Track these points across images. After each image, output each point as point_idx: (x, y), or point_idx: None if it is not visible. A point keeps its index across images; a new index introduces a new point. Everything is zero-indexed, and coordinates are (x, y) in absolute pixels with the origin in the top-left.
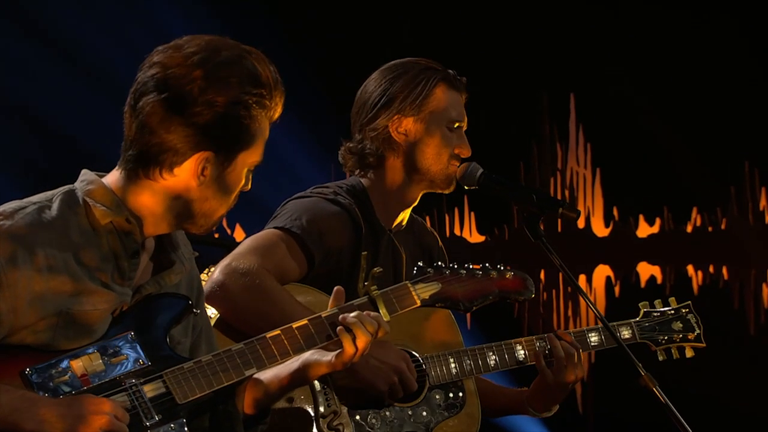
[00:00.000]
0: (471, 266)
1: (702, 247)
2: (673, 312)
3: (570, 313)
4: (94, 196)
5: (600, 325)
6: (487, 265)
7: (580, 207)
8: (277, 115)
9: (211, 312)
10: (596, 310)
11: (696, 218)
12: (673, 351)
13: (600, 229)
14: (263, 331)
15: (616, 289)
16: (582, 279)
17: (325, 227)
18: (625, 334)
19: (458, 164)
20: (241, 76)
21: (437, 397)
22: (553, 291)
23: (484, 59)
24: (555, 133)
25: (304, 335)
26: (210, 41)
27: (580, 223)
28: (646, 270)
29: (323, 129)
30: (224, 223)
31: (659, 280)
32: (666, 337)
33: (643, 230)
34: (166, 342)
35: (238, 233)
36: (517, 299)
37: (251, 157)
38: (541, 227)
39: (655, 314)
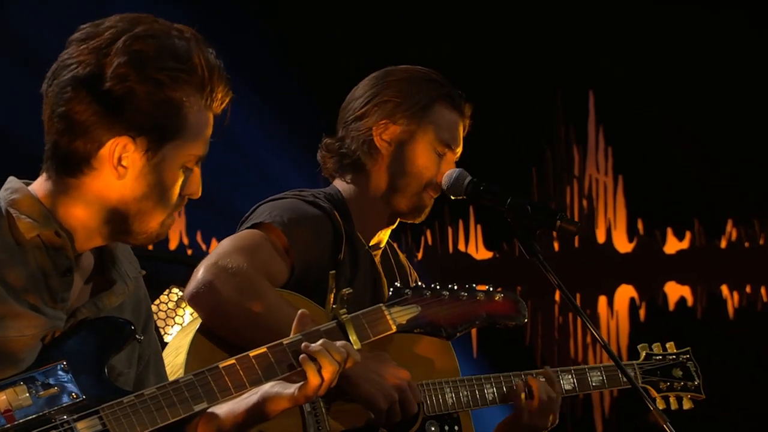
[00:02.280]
0: (455, 287)
1: (738, 264)
2: (673, 357)
3: (588, 339)
4: (19, 207)
5: (602, 364)
6: (473, 285)
7: (600, 219)
8: (217, 105)
9: (187, 315)
10: (604, 342)
11: (731, 232)
12: (671, 400)
13: (623, 245)
14: (252, 340)
15: (641, 312)
16: (602, 301)
17: (307, 230)
18: None
19: (435, 195)
20: (160, 50)
21: (432, 429)
22: (570, 315)
23: (490, 51)
24: (571, 135)
25: (263, 365)
26: (133, 17)
27: (600, 238)
28: (674, 290)
29: (311, 136)
30: (198, 238)
31: (689, 302)
32: (667, 384)
33: (672, 245)
34: (103, 373)
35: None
36: (507, 324)
37: (185, 150)
38: (554, 246)
39: (657, 357)
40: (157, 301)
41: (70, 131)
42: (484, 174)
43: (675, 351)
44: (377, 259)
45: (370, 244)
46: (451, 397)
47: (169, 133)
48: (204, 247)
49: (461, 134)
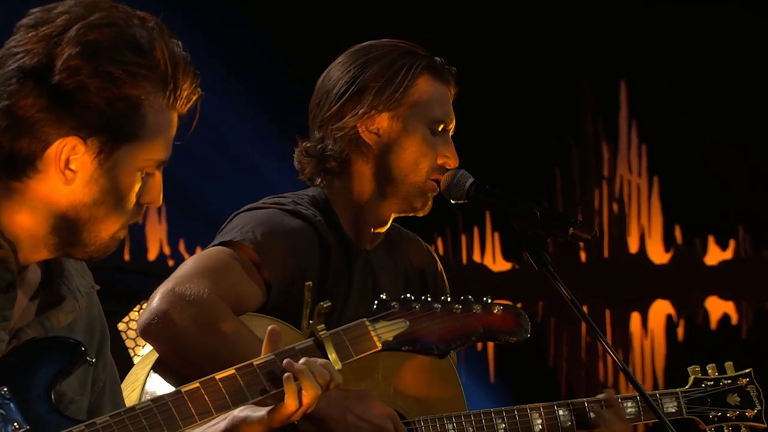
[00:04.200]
0: (448, 299)
1: None
2: (729, 381)
3: None
4: None
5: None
6: (469, 297)
7: (633, 226)
8: (182, 104)
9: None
10: (626, 369)
11: None
12: (725, 431)
13: (658, 255)
14: None
15: (679, 332)
16: (635, 318)
17: (285, 245)
18: (670, 407)
19: (439, 179)
20: (118, 40)
21: None
22: None
23: (508, 37)
24: (600, 131)
25: (231, 389)
26: (90, 1)
27: (633, 247)
28: (717, 307)
29: (303, 134)
30: (181, 247)
31: (734, 319)
32: (719, 414)
33: (714, 256)
34: (50, 400)
35: None
36: (508, 340)
37: (143, 154)
38: (580, 256)
39: (708, 383)
40: (126, 319)
41: (13, 128)
42: (501, 175)
43: (733, 374)
44: (376, 260)
45: (368, 248)
46: None
47: (125, 134)
48: (187, 257)
49: (451, 104)
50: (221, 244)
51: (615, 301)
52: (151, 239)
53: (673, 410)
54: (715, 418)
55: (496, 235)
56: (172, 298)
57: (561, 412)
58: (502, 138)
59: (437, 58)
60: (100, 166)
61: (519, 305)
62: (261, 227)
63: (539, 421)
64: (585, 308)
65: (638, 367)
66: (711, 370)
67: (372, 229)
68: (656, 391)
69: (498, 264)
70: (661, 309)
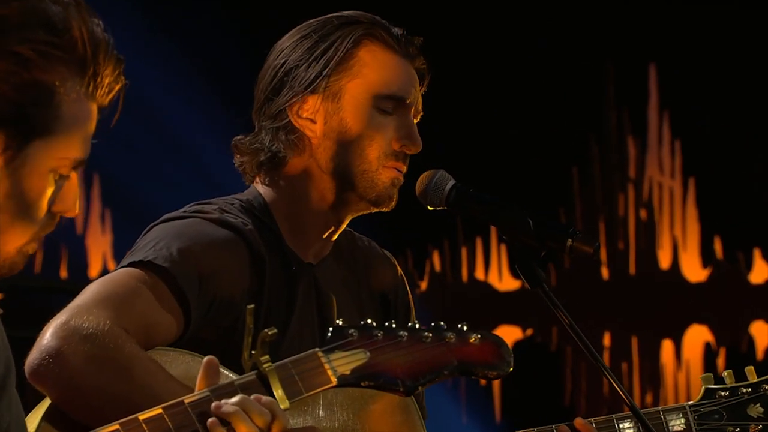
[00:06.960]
0: (416, 326)
1: None
2: (750, 390)
3: (649, 397)
4: None
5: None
6: (441, 324)
7: (665, 237)
8: (103, 94)
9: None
10: (623, 389)
11: None
12: None
13: (694, 272)
14: None
15: (719, 362)
16: (667, 346)
17: (207, 262)
18: (676, 425)
19: (401, 167)
20: (28, 16)
21: None
22: (624, 364)
23: (519, 13)
24: (625, 124)
25: None
26: None
27: (664, 263)
28: (763, 332)
29: None
30: None
31: None
32: (737, 429)
33: (760, 272)
34: None
35: None
36: (487, 375)
37: (57, 151)
38: (601, 273)
39: (723, 393)
40: None
41: None
42: (508, 176)
43: (754, 380)
44: (324, 275)
45: (314, 261)
46: None
47: (36, 127)
48: None
49: (413, 79)
50: (130, 264)
51: (643, 327)
52: (93, 253)
53: (680, 429)
54: None
55: (503, 247)
56: (65, 333)
57: None
58: (510, 132)
59: (395, 29)
60: (5, 165)
61: (530, 331)
62: (177, 241)
63: None
64: (607, 335)
65: (671, 403)
66: (727, 377)
67: (321, 236)
68: (659, 408)
69: (505, 282)
70: (697, 335)
